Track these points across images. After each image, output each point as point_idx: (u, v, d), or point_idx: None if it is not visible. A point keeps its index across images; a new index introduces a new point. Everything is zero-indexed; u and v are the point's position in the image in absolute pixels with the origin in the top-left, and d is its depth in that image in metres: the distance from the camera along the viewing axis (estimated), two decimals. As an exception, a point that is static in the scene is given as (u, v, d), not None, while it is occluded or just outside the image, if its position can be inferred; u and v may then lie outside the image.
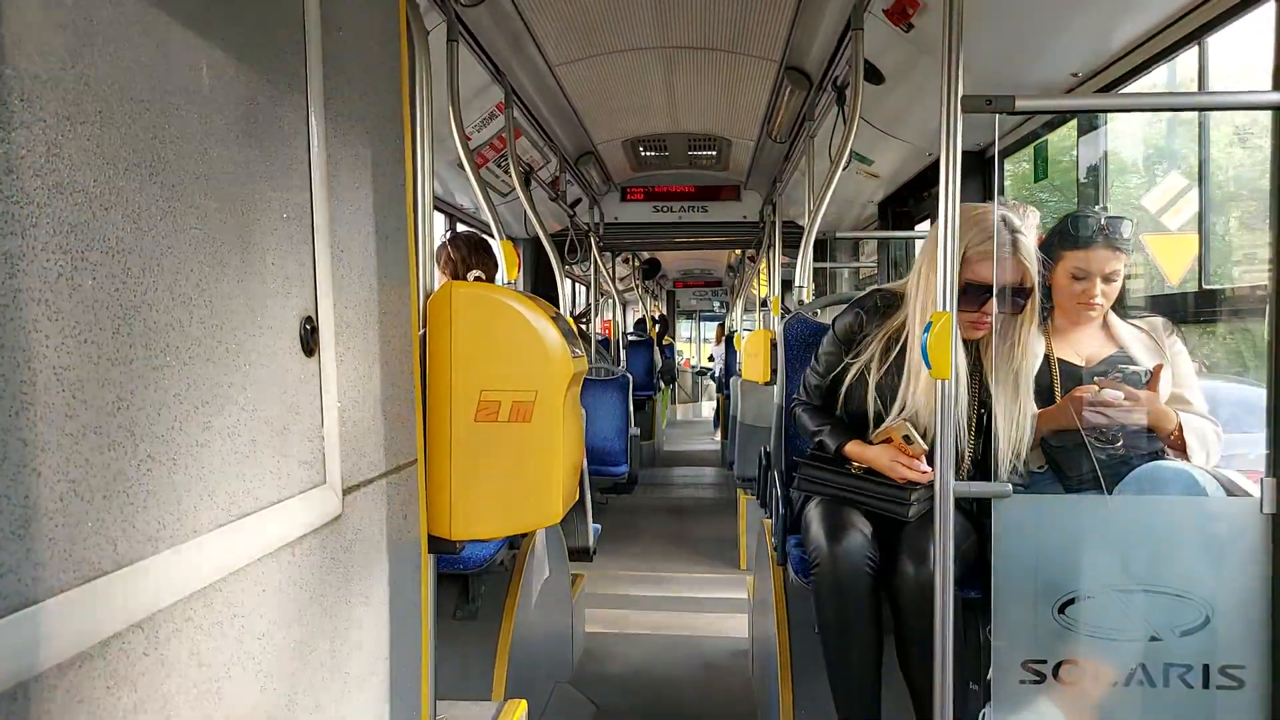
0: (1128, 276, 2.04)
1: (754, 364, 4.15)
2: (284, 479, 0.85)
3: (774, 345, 3.30)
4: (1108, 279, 2.00)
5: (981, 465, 2.01)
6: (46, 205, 0.56)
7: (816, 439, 2.14)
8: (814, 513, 2.02)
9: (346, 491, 1.00)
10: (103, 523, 0.60)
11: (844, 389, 2.10)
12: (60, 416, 0.56)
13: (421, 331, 1.30)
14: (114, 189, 0.62)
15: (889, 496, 1.95)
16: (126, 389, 0.62)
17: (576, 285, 9.42)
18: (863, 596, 1.89)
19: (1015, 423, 1.93)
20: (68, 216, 0.57)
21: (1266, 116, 1.43)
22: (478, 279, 2.60)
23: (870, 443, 2.03)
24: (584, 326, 6.41)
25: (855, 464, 2.04)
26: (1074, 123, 2.87)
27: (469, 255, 2.63)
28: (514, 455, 1.32)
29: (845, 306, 2.20)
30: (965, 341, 1.98)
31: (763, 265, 6.50)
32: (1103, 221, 2.00)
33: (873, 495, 1.97)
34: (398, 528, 1.18)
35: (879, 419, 2.06)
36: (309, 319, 0.92)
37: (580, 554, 3.30)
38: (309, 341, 0.91)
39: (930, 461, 1.82)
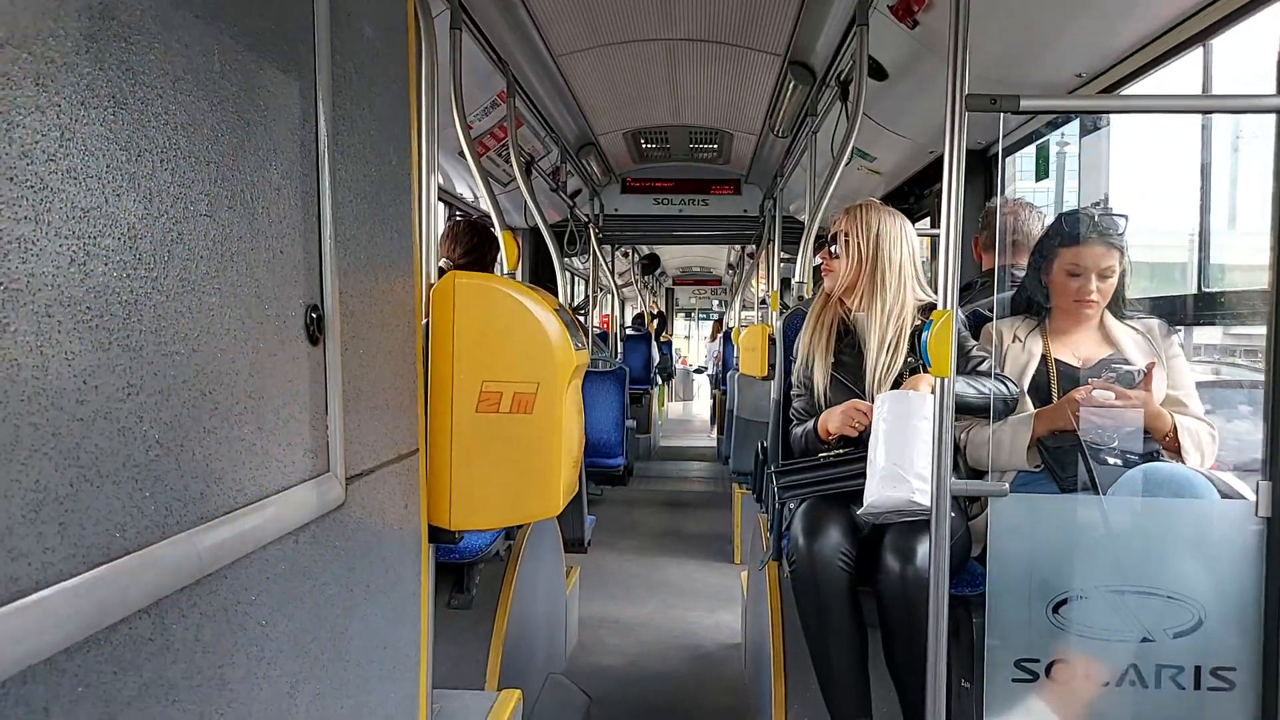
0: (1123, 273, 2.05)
1: (751, 358, 4.15)
2: (289, 466, 0.86)
3: (772, 340, 3.30)
4: (1103, 275, 2.00)
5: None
6: (60, 190, 0.55)
7: (804, 438, 2.23)
8: (798, 512, 2.07)
9: (349, 480, 1.00)
10: (111, 508, 0.60)
11: (820, 395, 2.23)
12: (71, 402, 0.56)
13: (425, 321, 1.30)
14: (127, 174, 0.62)
15: (858, 471, 1.98)
16: (136, 375, 0.62)
17: (575, 278, 9.41)
18: (839, 592, 1.93)
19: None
20: (81, 201, 0.57)
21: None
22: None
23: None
24: (581, 319, 6.41)
25: (824, 453, 2.12)
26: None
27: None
28: (515, 446, 1.32)
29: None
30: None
31: (762, 261, 6.50)
32: (1096, 218, 2.00)
33: (844, 475, 2.04)
34: (398, 517, 1.18)
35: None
36: (314, 307, 0.92)
37: (575, 545, 3.31)
38: (314, 330, 0.91)
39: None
